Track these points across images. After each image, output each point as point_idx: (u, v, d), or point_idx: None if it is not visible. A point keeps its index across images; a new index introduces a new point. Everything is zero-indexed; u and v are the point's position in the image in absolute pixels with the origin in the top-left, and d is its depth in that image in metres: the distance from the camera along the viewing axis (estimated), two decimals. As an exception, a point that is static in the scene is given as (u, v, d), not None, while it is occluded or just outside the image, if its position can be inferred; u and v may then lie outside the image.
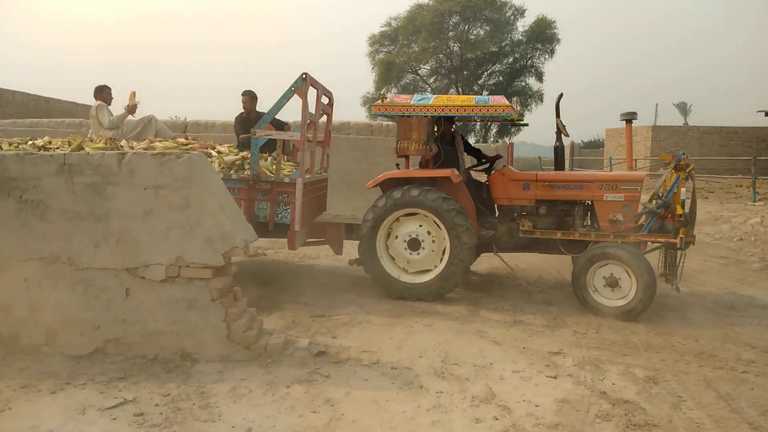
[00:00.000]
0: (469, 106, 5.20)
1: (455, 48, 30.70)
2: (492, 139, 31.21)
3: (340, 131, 10.60)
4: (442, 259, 5.27)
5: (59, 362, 3.61)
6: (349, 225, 5.84)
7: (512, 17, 29.81)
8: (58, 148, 5.13)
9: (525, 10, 29.71)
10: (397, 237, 5.34)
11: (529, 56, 30.25)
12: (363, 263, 5.44)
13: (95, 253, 3.63)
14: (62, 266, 3.64)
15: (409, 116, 5.31)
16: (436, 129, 5.63)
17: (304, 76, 5.03)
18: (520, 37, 29.91)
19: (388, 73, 30.34)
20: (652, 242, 5.21)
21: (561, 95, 5.82)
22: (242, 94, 6.64)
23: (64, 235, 3.62)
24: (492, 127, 32.91)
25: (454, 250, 5.15)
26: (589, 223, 5.53)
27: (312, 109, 5.40)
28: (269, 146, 5.76)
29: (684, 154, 5.07)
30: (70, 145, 5.10)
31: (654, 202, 5.28)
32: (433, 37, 29.35)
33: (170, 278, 3.63)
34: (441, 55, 31.24)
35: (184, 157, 3.57)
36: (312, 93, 5.36)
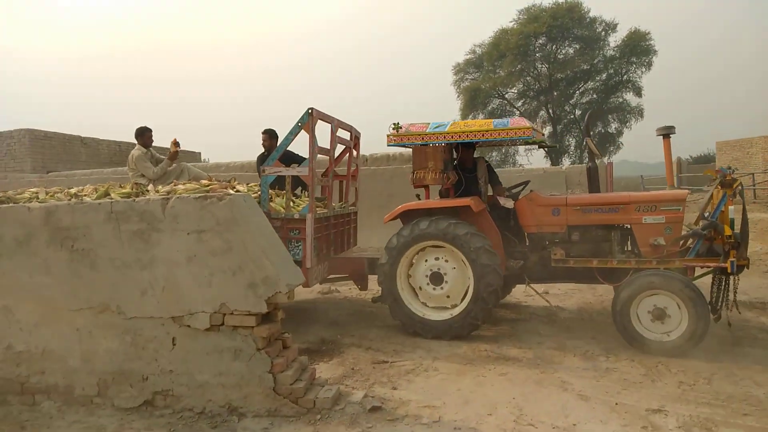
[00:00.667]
0: (487, 131, 4.94)
1: (543, 69, 29.78)
2: (587, 160, 29.64)
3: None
4: (465, 296, 4.95)
5: (109, 415, 3.51)
6: (372, 260, 5.59)
7: (603, 33, 28.48)
8: (87, 195, 5.16)
9: (617, 24, 28.30)
10: (416, 272, 5.10)
11: (624, 71, 28.65)
12: (383, 296, 5.20)
13: (142, 301, 3.53)
14: (111, 315, 3.57)
15: (424, 144, 5.15)
16: (455, 156, 5.51)
17: (310, 111, 4.96)
18: (613, 52, 28.44)
19: (473, 100, 29.94)
20: (701, 267, 4.72)
21: (590, 112, 5.97)
22: (262, 133, 6.62)
23: (112, 283, 3.55)
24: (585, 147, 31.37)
25: (477, 290, 4.83)
26: (629, 249, 5.08)
27: (326, 143, 5.36)
28: (296, 183, 5.79)
29: (730, 168, 4.62)
30: (97, 192, 5.12)
31: (700, 222, 4.79)
32: (519, 60, 28.66)
33: (215, 327, 3.45)
34: (528, 78, 30.42)
35: (225, 200, 3.40)
36: (325, 127, 5.32)
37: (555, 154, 30.25)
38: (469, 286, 4.92)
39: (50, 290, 3.63)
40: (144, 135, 6.37)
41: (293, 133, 5.08)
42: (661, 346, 4.38)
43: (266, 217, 3.76)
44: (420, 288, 5.09)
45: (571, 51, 29.11)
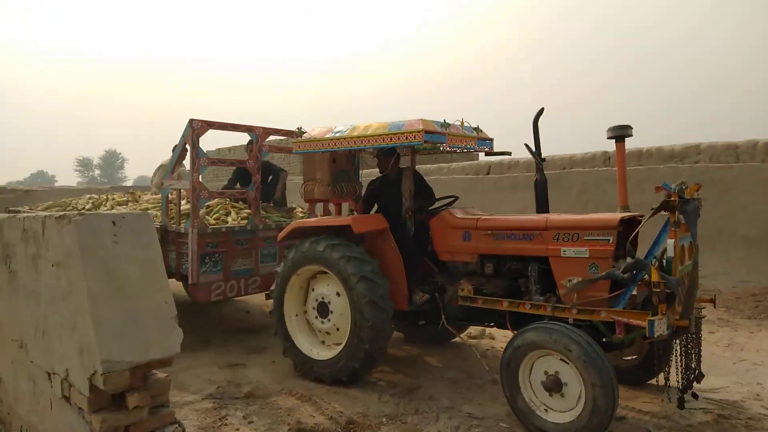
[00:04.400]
0: (380, 136, 4.01)
1: None
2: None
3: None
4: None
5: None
6: None
7: None
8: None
9: None
10: (308, 302, 4.48)
11: None
12: (276, 328, 4.58)
13: (33, 344, 2.81)
14: (23, 354, 2.96)
15: (312, 152, 4.52)
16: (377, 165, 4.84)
17: (190, 122, 4.99)
18: None
19: None
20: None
21: (541, 111, 4.31)
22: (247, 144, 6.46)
23: (26, 315, 2.94)
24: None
25: (355, 326, 4.06)
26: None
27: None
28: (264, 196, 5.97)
29: (684, 185, 3.28)
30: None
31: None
32: None
33: (65, 397, 2.50)
34: None
35: (71, 222, 2.39)
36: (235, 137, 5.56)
37: None
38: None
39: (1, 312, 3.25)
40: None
41: (179, 147, 5.10)
42: (557, 429, 3.17)
43: (147, 249, 2.58)
44: (312, 321, 4.46)
45: None
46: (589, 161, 8.40)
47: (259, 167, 5.54)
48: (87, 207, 6.27)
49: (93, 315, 2.23)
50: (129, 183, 62.76)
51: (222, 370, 4.60)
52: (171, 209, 5.41)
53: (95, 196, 6.83)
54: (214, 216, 5.43)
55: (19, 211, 6.82)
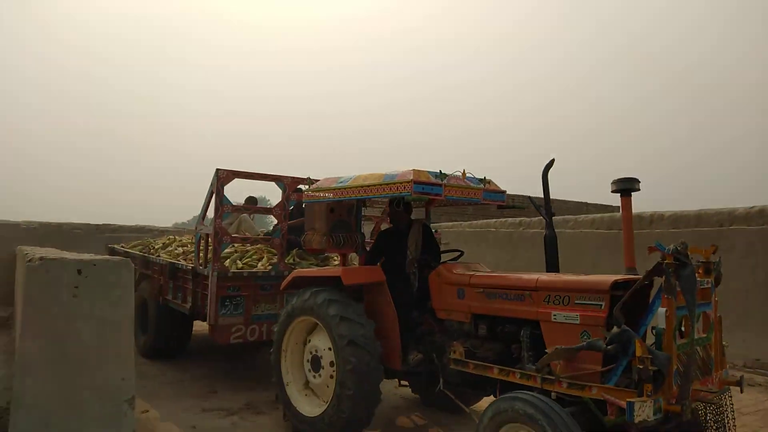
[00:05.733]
0: (375, 186, 3.91)
1: None
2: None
3: None
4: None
5: None
6: None
7: None
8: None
9: None
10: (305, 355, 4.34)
11: None
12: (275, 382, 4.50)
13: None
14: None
15: (312, 203, 4.52)
16: (387, 215, 5.19)
17: (217, 171, 5.09)
18: None
19: None
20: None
21: (551, 162, 4.05)
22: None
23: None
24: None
25: (340, 376, 3.85)
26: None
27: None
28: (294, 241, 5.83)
29: (682, 245, 2.88)
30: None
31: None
32: None
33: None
34: None
35: (31, 268, 2.00)
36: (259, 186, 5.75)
37: None
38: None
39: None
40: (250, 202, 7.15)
41: (209, 195, 5.23)
42: None
43: (115, 307, 2.09)
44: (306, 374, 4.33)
45: None
46: (756, 218, 6.86)
47: (287, 215, 5.61)
48: (157, 246, 6.47)
49: (19, 392, 1.79)
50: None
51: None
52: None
53: (171, 237, 6.99)
54: (246, 260, 5.50)
55: (114, 249, 7.08)
